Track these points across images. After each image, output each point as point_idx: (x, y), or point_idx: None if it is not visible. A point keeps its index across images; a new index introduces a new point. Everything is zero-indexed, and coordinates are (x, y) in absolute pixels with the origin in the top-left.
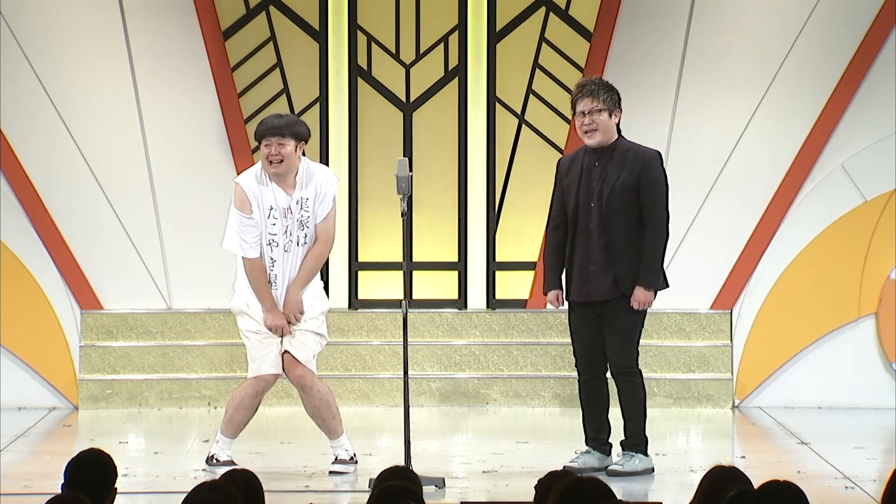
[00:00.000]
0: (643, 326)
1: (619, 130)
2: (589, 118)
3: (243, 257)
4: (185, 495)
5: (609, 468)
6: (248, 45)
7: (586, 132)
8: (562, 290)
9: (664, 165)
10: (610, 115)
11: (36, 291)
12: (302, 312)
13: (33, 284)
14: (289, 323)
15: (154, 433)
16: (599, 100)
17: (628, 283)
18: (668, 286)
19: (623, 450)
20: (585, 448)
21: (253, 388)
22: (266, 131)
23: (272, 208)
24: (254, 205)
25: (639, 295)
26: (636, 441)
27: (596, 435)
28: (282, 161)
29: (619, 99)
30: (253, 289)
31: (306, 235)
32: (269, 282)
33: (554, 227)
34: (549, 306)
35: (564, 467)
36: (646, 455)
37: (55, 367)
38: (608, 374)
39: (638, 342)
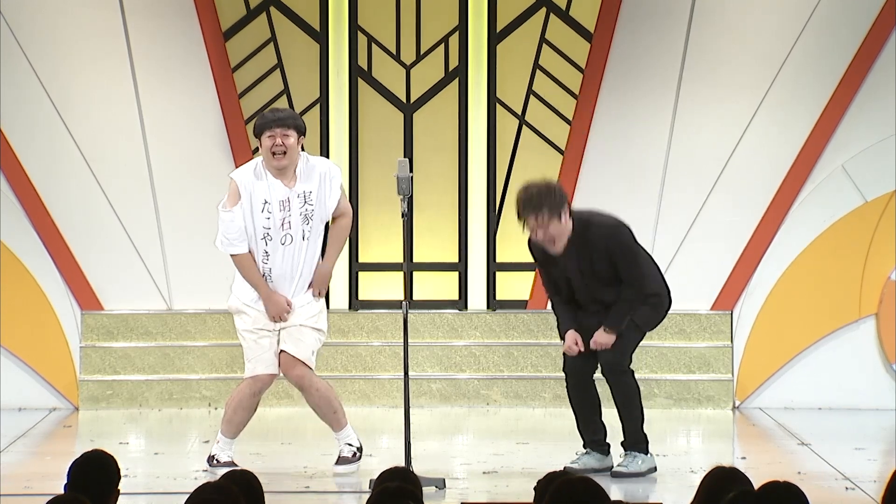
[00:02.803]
0: (641, 340)
1: (571, 215)
2: (541, 232)
3: (229, 254)
4: (185, 496)
5: (613, 470)
6: (249, 46)
7: (546, 244)
8: (577, 330)
9: (627, 226)
10: (560, 219)
11: (36, 292)
12: (326, 285)
13: (34, 285)
14: (315, 293)
15: (154, 434)
16: (544, 214)
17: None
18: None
19: (625, 450)
20: (585, 449)
21: (250, 388)
22: (268, 123)
23: (266, 202)
24: (244, 198)
25: (599, 337)
26: (636, 440)
27: (592, 438)
28: (285, 153)
29: (559, 191)
30: (247, 281)
31: (311, 229)
32: (263, 275)
33: (553, 295)
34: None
35: (565, 468)
36: (647, 454)
37: (55, 367)
38: (594, 377)
39: (632, 350)
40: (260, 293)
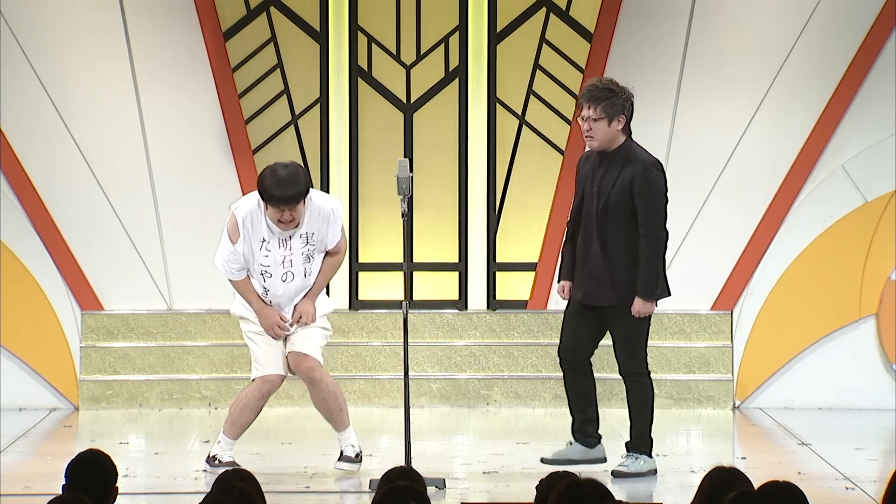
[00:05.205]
0: (650, 325)
1: (629, 132)
2: (587, 124)
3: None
4: (185, 496)
5: (614, 469)
6: (249, 46)
7: (585, 137)
8: (572, 282)
9: (664, 172)
10: (609, 123)
11: (36, 292)
12: (314, 320)
13: (34, 285)
14: (298, 322)
15: (155, 434)
16: (598, 109)
17: (627, 291)
18: (669, 294)
19: (627, 451)
20: (570, 440)
21: (259, 390)
22: (275, 203)
23: (265, 240)
24: (243, 236)
25: (637, 305)
26: (641, 443)
27: (581, 427)
28: (292, 221)
29: (625, 101)
30: (242, 297)
31: (313, 266)
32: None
33: (571, 219)
34: (553, 298)
35: (541, 459)
36: (650, 457)
37: (56, 367)
38: (592, 370)
39: (646, 342)
40: (252, 307)
